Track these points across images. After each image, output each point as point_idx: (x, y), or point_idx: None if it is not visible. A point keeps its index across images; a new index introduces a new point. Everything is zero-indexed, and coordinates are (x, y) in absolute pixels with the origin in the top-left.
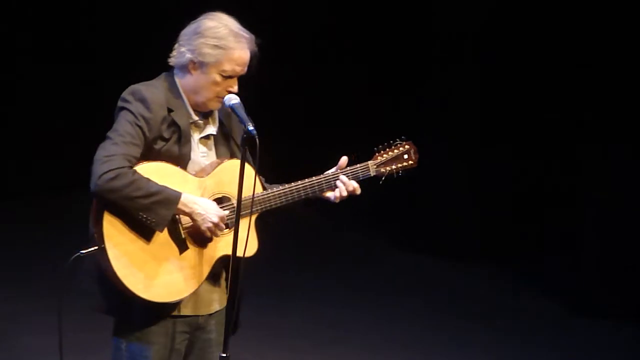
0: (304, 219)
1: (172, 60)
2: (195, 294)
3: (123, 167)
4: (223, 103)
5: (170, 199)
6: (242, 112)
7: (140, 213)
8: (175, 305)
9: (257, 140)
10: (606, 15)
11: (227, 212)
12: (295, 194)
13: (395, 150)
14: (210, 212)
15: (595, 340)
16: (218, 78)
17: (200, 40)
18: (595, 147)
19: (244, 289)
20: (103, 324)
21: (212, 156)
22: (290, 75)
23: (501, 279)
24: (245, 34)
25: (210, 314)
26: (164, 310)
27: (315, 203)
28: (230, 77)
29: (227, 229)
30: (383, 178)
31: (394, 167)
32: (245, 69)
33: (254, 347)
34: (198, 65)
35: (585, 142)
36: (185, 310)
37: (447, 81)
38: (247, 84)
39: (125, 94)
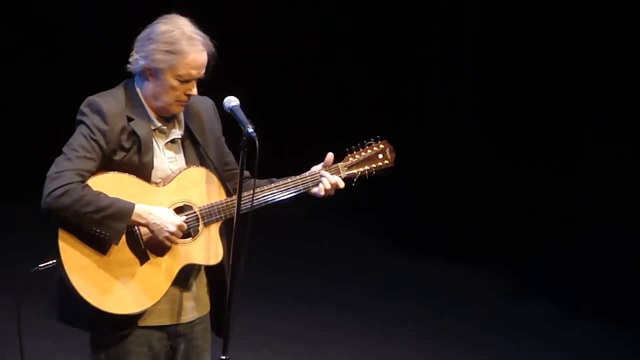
0: (300, 222)
1: (129, 67)
2: (170, 302)
3: (72, 183)
4: (223, 105)
5: (122, 211)
6: (241, 115)
7: (93, 228)
8: (143, 315)
9: (257, 142)
10: (608, 15)
11: (184, 218)
12: (285, 192)
13: (369, 151)
14: (166, 221)
15: (594, 343)
16: (175, 83)
17: (153, 46)
18: (596, 147)
19: (232, 293)
20: None
21: (180, 160)
22: (277, 75)
23: (500, 281)
24: (199, 36)
25: (191, 322)
26: (133, 321)
27: (304, 202)
28: (187, 80)
29: (190, 238)
30: (355, 180)
31: (366, 168)
32: (203, 71)
33: (252, 351)
34: (153, 71)
35: (586, 143)
36: (162, 320)
37: (444, 81)
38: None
39: (82, 106)
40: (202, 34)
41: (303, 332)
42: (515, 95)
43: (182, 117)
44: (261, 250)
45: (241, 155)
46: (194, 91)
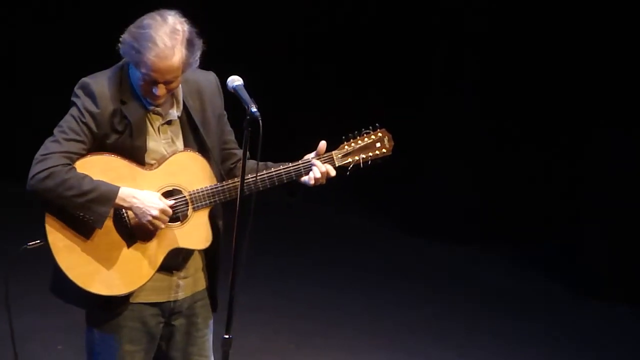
0: (304, 203)
1: None
2: (162, 281)
3: (57, 166)
4: (226, 85)
5: (106, 195)
6: (245, 94)
7: (77, 211)
8: (132, 294)
9: (260, 122)
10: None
11: (171, 202)
12: (275, 179)
13: (366, 139)
14: (148, 205)
15: (598, 322)
16: (141, 78)
17: (126, 36)
18: (598, 132)
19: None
20: None
21: (178, 141)
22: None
23: (505, 262)
24: (165, 44)
25: (186, 298)
26: (123, 301)
27: (298, 190)
28: (151, 82)
29: (179, 222)
30: (349, 168)
31: (362, 156)
32: (168, 76)
33: (256, 329)
34: (127, 60)
35: (586, 127)
36: (154, 297)
37: (447, 67)
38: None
39: (75, 88)
40: (177, 41)
41: (306, 311)
42: (517, 81)
43: (180, 97)
44: (264, 231)
45: (244, 135)
46: (158, 92)
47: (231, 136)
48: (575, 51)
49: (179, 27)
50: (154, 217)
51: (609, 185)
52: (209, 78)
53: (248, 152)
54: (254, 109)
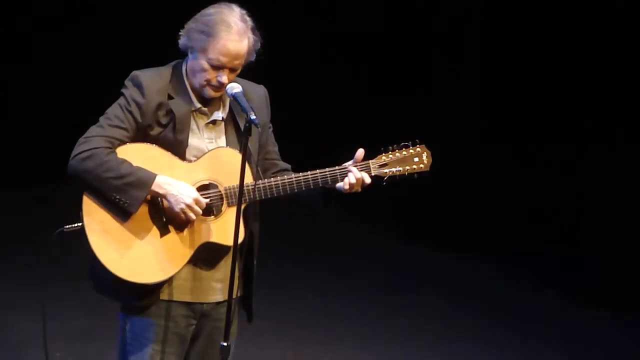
0: (309, 211)
1: (179, 43)
2: (195, 280)
3: (99, 148)
4: (225, 92)
5: (143, 180)
6: (244, 101)
7: (113, 194)
8: (162, 287)
9: (258, 128)
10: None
11: (207, 200)
12: (310, 182)
13: (404, 152)
14: (183, 194)
15: (596, 331)
16: (205, 65)
17: (192, 24)
18: (597, 143)
19: (253, 280)
20: (108, 310)
21: (220, 142)
22: (299, 74)
23: (503, 272)
24: (238, 26)
25: (218, 303)
26: (152, 291)
27: (333, 200)
28: (218, 67)
29: (213, 216)
30: (385, 179)
31: (400, 168)
32: (236, 62)
33: (255, 338)
34: (190, 49)
35: (587, 139)
36: (187, 297)
37: (448, 77)
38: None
39: (126, 80)
40: (247, 26)
41: (307, 320)
42: (518, 91)
43: (227, 100)
44: (266, 238)
45: (243, 142)
46: (224, 79)
47: (275, 148)
48: (578, 60)
49: (245, 15)
50: (187, 205)
51: (609, 193)
52: (259, 90)
53: (289, 165)
54: (252, 117)
